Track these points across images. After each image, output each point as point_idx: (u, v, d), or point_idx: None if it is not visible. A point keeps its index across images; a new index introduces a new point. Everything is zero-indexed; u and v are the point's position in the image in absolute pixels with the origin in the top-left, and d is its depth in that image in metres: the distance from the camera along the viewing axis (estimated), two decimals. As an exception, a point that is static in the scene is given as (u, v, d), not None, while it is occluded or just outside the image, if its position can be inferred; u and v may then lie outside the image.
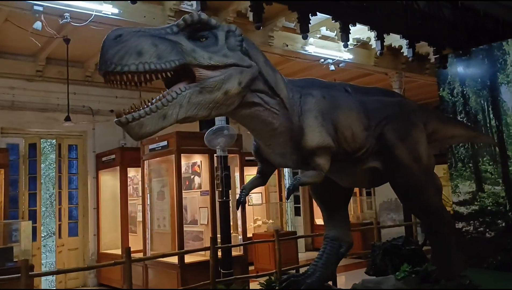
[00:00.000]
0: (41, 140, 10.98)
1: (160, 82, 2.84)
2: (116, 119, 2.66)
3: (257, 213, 12.53)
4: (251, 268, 9.92)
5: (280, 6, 7.43)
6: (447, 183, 9.02)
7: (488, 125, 8.39)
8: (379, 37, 8.24)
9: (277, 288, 4.41)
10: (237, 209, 3.94)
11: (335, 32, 9.05)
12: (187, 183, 9.27)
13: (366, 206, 15.06)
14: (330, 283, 4.60)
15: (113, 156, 10.59)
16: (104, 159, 10.91)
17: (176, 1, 7.37)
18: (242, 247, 8.82)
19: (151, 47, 2.65)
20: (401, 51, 9.44)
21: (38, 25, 6.87)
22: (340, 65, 10.34)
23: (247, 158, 9.97)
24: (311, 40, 9.48)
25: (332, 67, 10.17)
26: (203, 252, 7.93)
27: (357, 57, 10.61)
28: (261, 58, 3.35)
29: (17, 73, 10.15)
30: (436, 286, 4.23)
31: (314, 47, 9.76)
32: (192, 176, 9.34)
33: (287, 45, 9.29)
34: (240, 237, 9.21)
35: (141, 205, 9.74)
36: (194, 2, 6.51)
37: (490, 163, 8.32)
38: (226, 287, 5.08)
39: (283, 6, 7.32)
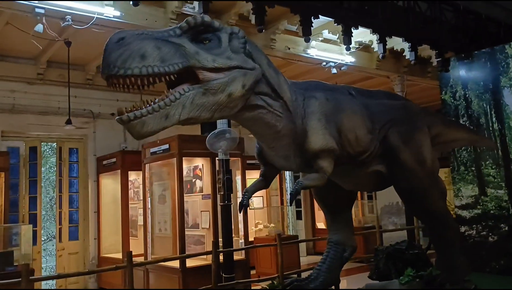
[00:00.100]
0: (42, 143, 10.95)
1: (162, 85, 2.81)
2: (117, 117, 2.63)
3: (258, 217, 12.49)
4: (252, 272, 9.87)
5: (282, 9, 7.42)
6: (450, 187, 8.97)
7: (490, 128, 8.35)
8: (381, 40, 8.23)
9: (280, 292, 4.38)
10: (240, 212, 3.90)
11: (337, 35, 9.03)
12: (188, 187, 9.23)
13: (367, 210, 15.01)
14: (333, 288, 4.55)
15: (114, 160, 10.56)
16: (105, 162, 10.87)
17: (179, 3, 7.35)
18: (243, 251, 8.76)
19: (154, 50, 2.63)
20: (403, 54, 9.43)
21: (39, 27, 6.84)
22: (342, 68, 10.33)
23: (248, 161, 9.95)
24: (313, 43, 9.46)
25: (334, 70, 10.15)
26: (204, 256, 7.89)
27: (359, 60, 10.60)
28: (264, 60, 3.33)
29: (18, 76, 10.12)
30: (441, 291, 4.19)
31: (316, 50, 9.74)
32: (193, 180, 9.31)
33: (289, 48, 9.28)
34: (242, 241, 9.16)
35: (142, 209, 9.70)
36: (196, 5, 6.49)
37: (493, 167, 8.28)
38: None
39: (285, 9, 7.31)
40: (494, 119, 8.34)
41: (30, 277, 5.10)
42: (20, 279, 4.86)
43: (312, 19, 7.11)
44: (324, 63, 10.08)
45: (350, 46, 7.90)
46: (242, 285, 7.32)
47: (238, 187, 9.77)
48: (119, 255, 9.92)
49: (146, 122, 2.62)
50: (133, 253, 6.02)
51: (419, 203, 4.31)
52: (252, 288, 8.04)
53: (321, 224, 14.20)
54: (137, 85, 2.63)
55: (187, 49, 2.77)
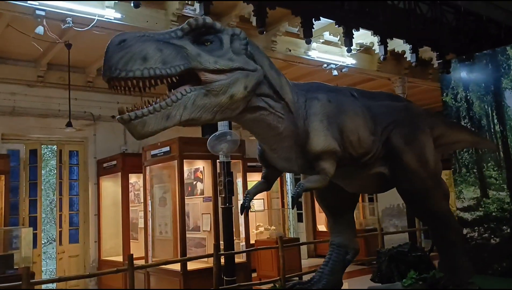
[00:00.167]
0: (42, 146, 10.93)
1: (163, 87, 2.79)
2: (118, 116, 2.62)
3: (259, 219, 12.46)
4: (253, 275, 9.84)
5: (283, 11, 7.42)
6: (451, 189, 8.94)
7: (492, 130, 8.31)
8: (383, 42, 8.21)
9: (283, 295, 4.35)
10: (241, 214, 3.88)
11: (338, 37, 9.03)
12: (189, 189, 9.21)
13: (368, 212, 14.99)
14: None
15: (114, 162, 10.54)
16: (105, 165, 10.85)
17: (179, 5, 7.34)
18: (245, 254, 8.74)
19: (156, 52, 2.62)
20: (404, 56, 9.42)
21: (40, 29, 6.83)
22: (343, 70, 10.32)
23: (249, 164, 9.92)
24: (314, 45, 9.46)
25: (335, 72, 10.15)
26: (205, 259, 7.85)
27: (360, 62, 10.60)
28: (266, 62, 3.32)
29: (18, 78, 10.12)
30: (445, 293, 4.17)
31: (317, 52, 9.74)
32: (194, 182, 9.28)
33: (290, 50, 9.27)
34: (243, 243, 9.13)
35: (142, 212, 9.68)
36: (197, 7, 6.48)
37: (495, 169, 8.24)
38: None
39: (286, 10, 7.30)
40: (495, 121, 8.30)
41: (31, 280, 5.08)
42: (20, 282, 4.84)
43: (313, 20, 7.09)
44: (325, 65, 10.08)
45: (351, 48, 7.89)
46: (244, 288, 7.29)
47: (239, 190, 9.75)
48: (119, 258, 9.88)
49: (147, 122, 2.61)
50: (133, 256, 6.00)
51: (422, 205, 4.28)
52: (253, 291, 8.01)
53: (322, 227, 14.17)
54: (139, 87, 2.62)
55: (188, 51, 2.75)
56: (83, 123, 10.79)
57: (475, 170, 8.48)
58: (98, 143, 11.11)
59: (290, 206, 12.74)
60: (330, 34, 9.23)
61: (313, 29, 7.15)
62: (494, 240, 8.07)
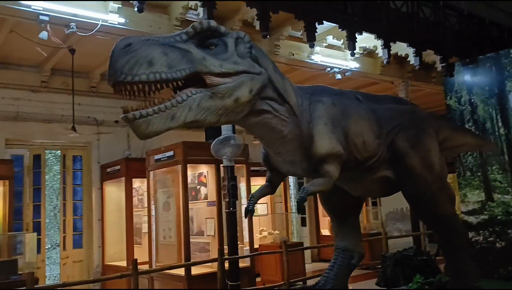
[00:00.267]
0: (46, 151, 10.94)
1: (167, 91, 2.79)
2: (123, 115, 2.61)
3: (262, 224, 12.42)
4: (257, 279, 9.80)
5: (287, 15, 7.43)
6: (456, 193, 8.90)
7: (497, 133, 8.28)
8: (386, 46, 8.22)
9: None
10: (245, 217, 3.87)
11: (342, 40, 9.03)
12: (193, 194, 9.19)
13: (372, 216, 14.93)
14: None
15: (118, 167, 10.54)
16: (109, 170, 10.85)
17: (183, 10, 7.36)
18: (249, 258, 8.70)
19: (161, 56, 2.62)
20: (408, 59, 9.41)
21: (43, 34, 6.84)
22: (346, 74, 10.31)
23: (253, 168, 9.90)
24: (317, 49, 9.47)
25: (338, 76, 10.14)
26: (210, 264, 7.83)
27: (363, 66, 10.59)
28: (270, 65, 3.32)
29: (22, 84, 10.13)
30: (451, 298, 4.13)
31: (320, 56, 9.74)
32: (198, 187, 9.26)
33: (293, 54, 9.28)
34: (246, 248, 9.10)
35: (146, 216, 9.66)
36: (201, 12, 6.49)
37: (499, 172, 8.20)
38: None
39: (289, 15, 7.32)
40: (500, 124, 8.27)
41: (35, 286, 5.08)
42: (24, 287, 4.83)
43: (316, 24, 7.10)
44: (329, 69, 10.08)
45: (355, 51, 7.90)
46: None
47: (243, 194, 9.72)
48: (123, 263, 9.86)
49: (151, 122, 2.61)
50: (137, 261, 5.98)
51: (427, 208, 4.25)
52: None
53: (325, 231, 14.12)
54: (144, 91, 2.62)
55: (193, 54, 2.76)
56: (87, 128, 10.79)
57: (479, 174, 8.45)
58: (101, 148, 11.11)
59: (296, 212, 12.69)
60: (333, 38, 9.23)
61: (316, 33, 7.18)
62: (499, 244, 8.03)
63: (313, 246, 12.72)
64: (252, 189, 9.46)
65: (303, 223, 14.36)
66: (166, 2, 7.64)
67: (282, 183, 12.19)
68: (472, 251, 5.56)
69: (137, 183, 10.61)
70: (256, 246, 10.22)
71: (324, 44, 9.59)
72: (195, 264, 7.62)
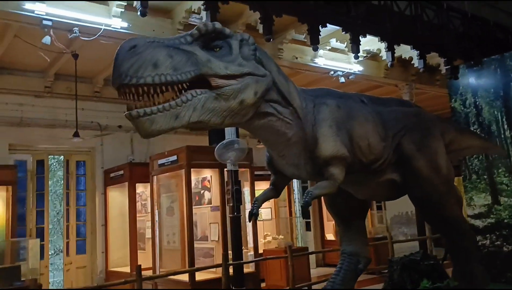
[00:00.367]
0: (49, 156, 10.93)
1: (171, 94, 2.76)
2: (126, 112, 2.59)
3: (267, 228, 12.36)
4: (262, 285, 9.74)
5: (290, 18, 7.42)
6: (462, 196, 8.84)
7: (502, 136, 8.22)
8: (390, 48, 8.20)
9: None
10: (249, 221, 3.84)
11: (345, 43, 9.00)
12: (197, 198, 9.15)
13: (377, 220, 14.85)
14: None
15: (121, 172, 10.51)
16: (112, 175, 10.82)
17: (186, 14, 7.35)
18: (253, 263, 8.65)
19: (166, 59, 2.61)
20: (411, 62, 9.37)
21: (47, 39, 6.85)
22: (350, 77, 10.29)
23: (257, 172, 9.86)
24: (320, 52, 9.44)
25: (342, 79, 10.12)
26: (214, 269, 7.77)
27: (367, 69, 10.56)
28: (274, 68, 3.31)
29: (26, 89, 10.14)
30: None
31: (324, 59, 9.72)
32: (202, 191, 9.23)
33: (296, 58, 9.26)
34: (251, 253, 9.04)
35: (150, 222, 9.62)
36: (204, 15, 6.48)
37: (506, 175, 8.14)
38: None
39: (292, 18, 7.30)
40: (505, 126, 8.22)
41: (38, 292, 5.03)
42: (28, 294, 4.80)
43: (320, 27, 7.08)
44: (332, 72, 10.06)
45: (358, 54, 7.87)
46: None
47: (247, 199, 9.67)
48: (127, 269, 9.81)
49: (155, 120, 2.59)
50: (141, 267, 5.93)
51: (434, 211, 4.21)
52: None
53: (330, 235, 14.04)
54: (149, 93, 2.60)
55: (198, 56, 2.75)
56: (90, 133, 10.77)
57: (485, 177, 8.38)
58: (105, 153, 11.09)
59: (301, 216, 12.64)
60: (337, 41, 9.21)
61: (319, 36, 7.15)
62: (506, 247, 7.95)
63: (318, 251, 12.64)
64: (256, 193, 9.42)
65: (308, 227, 14.29)
66: (169, 6, 7.64)
67: (286, 187, 12.19)
68: (479, 254, 5.51)
69: (140, 188, 10.58)
70: (260, 251, 10.17)
71: (328, 47, 9.58)
72: (199, 269, 7.56)
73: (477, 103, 8.65)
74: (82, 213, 11.11)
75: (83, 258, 10.86)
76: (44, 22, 6.57)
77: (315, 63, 9.60)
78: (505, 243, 7.97)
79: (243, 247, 8.31)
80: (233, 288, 7.11)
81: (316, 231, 14.50)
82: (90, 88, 10.90)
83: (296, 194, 13.27)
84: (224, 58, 2.85)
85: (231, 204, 7.54)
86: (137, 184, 10.41)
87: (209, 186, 9.09)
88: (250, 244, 9.26)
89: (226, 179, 7.88)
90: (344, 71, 10.11)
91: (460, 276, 4.29)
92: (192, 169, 8.50)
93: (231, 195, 7.45)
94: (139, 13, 6.16)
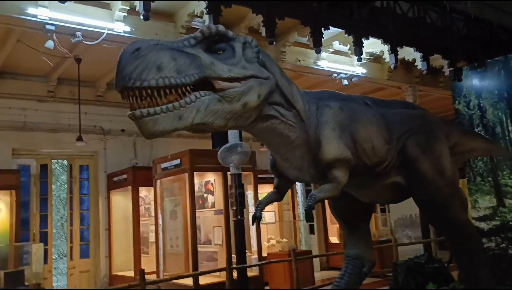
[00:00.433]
0: (52, 160, 10.94)
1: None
2: (129, 112, 2.58)
3: (270, 232, 12.33)
4: (266, 288, 9.70)
5: (293, 21, 7.41)
6: (467, 198, 8.80)
7: (507, 137, 8.18)
8: (393, 50, 8.18)
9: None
10: (253, 224, 3.82)
11: (348, 46, 8.99)
12: (200, 202, 9.14)
13: (381, 223, 14.79)
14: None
15: (124, 176, 10.51)
16: (115, 179, 10.82)
17: (188, 18, 7.35)
18: (257, 267, 8.62)
19: (170, 61, 2.59)
20: (415, 64, 9.35)
21: (50, 44, 6.86)
22: (353, 79, 10.27)
23: (260, 176, 9.83)
24: (323, 54, 9.43)
25: (345, 82, 10.10)
26: (218, 273, 7.74)
27: (370, 71, 10.54)
28: (277, 70, 3.29)
29: (29, 94, 10.17)
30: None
31: (327, 62, 9.71)
32: (205, 195, 9.21)
33: (299, 60, 9.25)
34: (255, 257, 9.01)
35: (153, 225, 9.61)
36: (206, 19, 6.48)
37: (510, 177, 8.09)
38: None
39: (295, 21, 7.29)
40: (510, 128, 8.18)
41: (42, 297, 5.02)
42: (31, 298, 4.79)
43: (323, 30, 7.07)
44: (335, 75, 10.04)
45: (361, 57, 7.85)
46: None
47: (250, 202, 9.65)
48: (130, 273, 9.80)
49: (158, 121, 2.57)
50: (145, 271, 5.92)
51: (439, 214, 4.17)
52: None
53: (334, 239, 13.99)
54: (153, 96, 2.58)
55: (202, 59, 2.74)
56: (93, 137, 10.77)
57: (490, 179, 8.34)
58: (108, 157, 11.10)
59: (305, 220, 12.62)
60: (339, 44, 9.19)
61: (322, 39, 7.14)
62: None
63: (322, 254, 12.58)
64: (260, 196, 9.40)
65: (311, 230, 14.24)
66: (172, 10, 7.64)
67: (289, 191, 12.16)
68: (484, 257, 5.46)
69: (144, 192, 10.57)
70: (264, 254, 10.14)
71: (331, 50, 9.56)
72: (203, 273, 7.54)
73: (481, 105, 8.61)
74: (85, 217, 11.11)
75: (87, 262, 10.86)
76: (47, 26, 6.58)
77: (318, 65, 9.59)
78: (510, 246, 7.91)
79: (246, 251, 8.29)
80: (237, 292, 7.09)
81: (319, 234, 14.43)
82: (93, 92, 10.92)
83: (300, 197, 13.23)
84: (227, 61, 2.85)
85: (234, 208, 7.53)
86: (140, 188, 10.41)
87: (212, 190, 9.08)
88: (254, 247, 9.23)
89: (229, 183, 7.87)
90: (347, 74, 10.09)
91: (465, 279, 4.25)
92: (195, 173, 8.50)
93: (235, 198, 7.44)
94: (141, 17, 6.16)
